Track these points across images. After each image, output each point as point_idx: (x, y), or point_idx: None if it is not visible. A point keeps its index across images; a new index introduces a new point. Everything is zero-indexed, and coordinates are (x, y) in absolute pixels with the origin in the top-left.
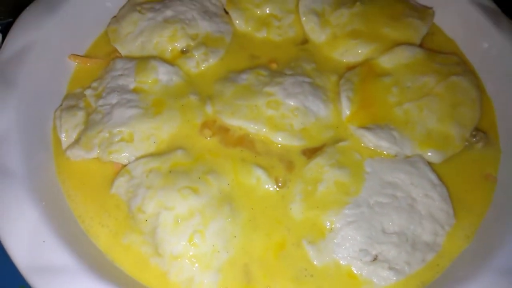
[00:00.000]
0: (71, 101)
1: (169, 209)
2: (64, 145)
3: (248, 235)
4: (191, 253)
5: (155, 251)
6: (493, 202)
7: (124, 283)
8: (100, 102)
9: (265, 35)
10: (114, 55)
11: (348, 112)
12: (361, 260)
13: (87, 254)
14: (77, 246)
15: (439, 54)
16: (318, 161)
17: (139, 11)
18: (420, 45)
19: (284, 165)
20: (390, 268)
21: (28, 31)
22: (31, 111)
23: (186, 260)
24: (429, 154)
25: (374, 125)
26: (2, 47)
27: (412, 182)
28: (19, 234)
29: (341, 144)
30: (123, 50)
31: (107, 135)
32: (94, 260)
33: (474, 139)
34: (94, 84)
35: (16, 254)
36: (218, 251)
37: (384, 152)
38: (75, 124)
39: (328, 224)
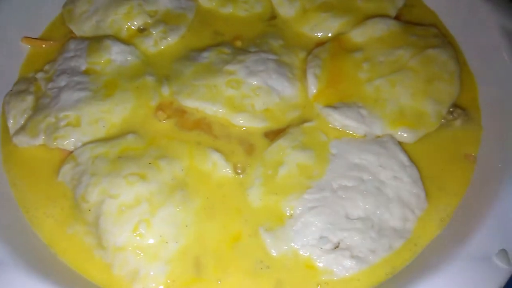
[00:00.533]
0: (22, 86)
1: (113, 197)
2: (11, 132)
3: (201, 224)
4: (135, 244)
5: (98, 243)
6: (471, 183)
7: (66, 278)
8: (50, 85)
9: (231, 10)
10: (70, 36)
11: (314, 90)
12: (320, 248)
13: (27, 248)
14: (17, 239)
15: (417, 26)
16: (280, 143)
17: None
18: (396, 18)
19: (244, 149)
20: (352, 257)
21: None
22: None
23: (130, 252)
24: (401, 133)
25: (341, 104)
26: None
27: (381, 163)
28: None
29: (306, 124)
30: (77, 31)
31: (53, 119)
32: (34, 254)
33: (452, 116)
34: (46, 67)
35: None
36: (167, 242)
37: (352, 132)
38: (23, 109)
39: (288, 210)
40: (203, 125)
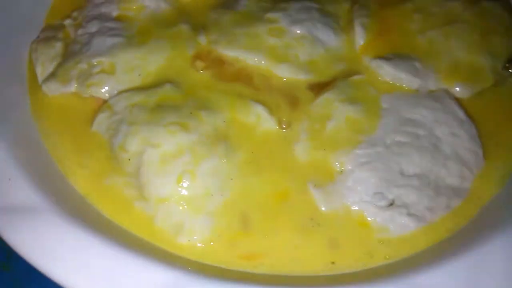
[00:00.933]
0: (49, 33)
1: (154, 146)
2: (40, 79)
3: (246, 178)
4: (180, 195)
5: (139, 194)
6: None
7: (103, 227)
8: (80, 31)
9: None
10: None
11: (362, 42)
12: (375, 205)
13: (62, 195)
14: (51, 187)
15: None
16: (327, 96)
17: None
18: None
19: (287, 102)
20: (409, 214)
21: None
22: (4, 42)
23: (175, 203)
24: (456, 88)
25: (393, 55)
26: None
27: (436, 118)
28: None
29: (354, 77)
30: None
31: (85, 66)
32: (69, 202)
33: (508, 71)
34: (74, 14)
35: None
36: (212, 194)
37: (404, 86)
38: (52, 56)
39: (338, 165)
40: (243, 76)
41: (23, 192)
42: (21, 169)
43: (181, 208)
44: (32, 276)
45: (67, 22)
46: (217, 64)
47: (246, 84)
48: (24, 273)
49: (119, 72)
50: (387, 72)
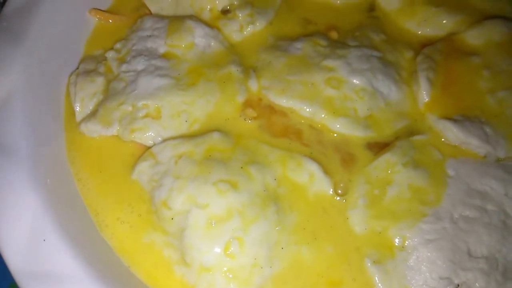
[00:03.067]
0: (90, 65)
1: (201, 207)
2: (78, 117)
3: (297, 247)
4: (226, 265)
5: (181, 258)
6: None
7: None
8: (124, 67)
9: None
10: (142, 12)
11: (427, 98)
12: None
13: (96, 258)
14: (85, 247)
15: None
16: (388, 158)
17: None
18: None
19: (342, 161)
20: None
21: None
22: (41, 73)
23: (219, 274)
24: None
25: (461, 117)
26: None
27: (507, 192)
28: (15, 229)
29: (417, 137)
30: (153, 6)
31: (130, 108)
32: (103, 266)
33: None
34: (118, 46)
35: (10, 254)
36: (260, 266)
37: (472, 151)
38: (93, 92)
39: (399, 240)
40: (294, 128)
41: (57, 256)
42: (57, 228)
43: (226, 280)
44: None
45: (110, 54)
46: (268, 113)
47: (297, 138)
48: None
49: (165, 117)
50: (455, 136)
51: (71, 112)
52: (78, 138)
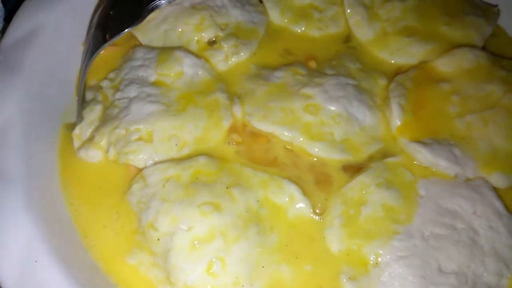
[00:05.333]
0: (89, 95)
1: (186, 228)
2: (76, 144)
3: (277, 266)
4: (209, 285)
5: (166, 278)
6: None
7: None
8: (118, 95)
9: (303, 29)
10: (133, 43)
11: (399, 122)
12: None
13: (85, 278)
14: (75, 268)
15: (505, 59)
16: (363, 179)
17: None
18: (483, 48)
19: (319, 182)
20: None
21: (36, 14)
22: (37, 103)
23: None
24: (494, 177)
25: (431, 140)
26: (7, 30)
27: (475, 210)
28: (9, 252)
29: (390, 160)
30: (143, 39)
31: (123, 132)
32: (93, 286)
33: None
34: (111, 75)
35: (4, 276)
36: (242, 284)
37: (441, 172)
38: (91, 120)
39: (373, 257)
40: (275, 152)
41: (48, 276)
42: (49, 249)
43: None
44: None
45: (104, 83)
46: (251, 138)
47: (278, 161)
48: None
49: (156, 141)
50: (425, 158)
51: (68, 139)
52: (72, 164)
